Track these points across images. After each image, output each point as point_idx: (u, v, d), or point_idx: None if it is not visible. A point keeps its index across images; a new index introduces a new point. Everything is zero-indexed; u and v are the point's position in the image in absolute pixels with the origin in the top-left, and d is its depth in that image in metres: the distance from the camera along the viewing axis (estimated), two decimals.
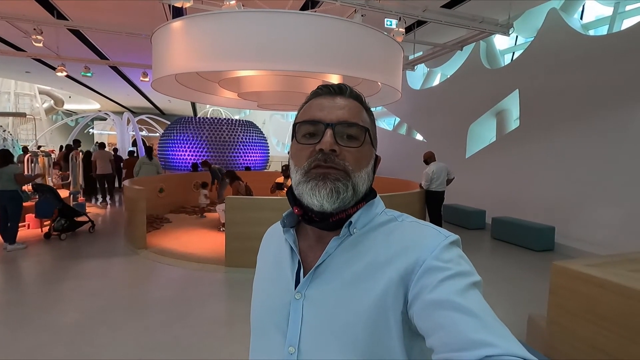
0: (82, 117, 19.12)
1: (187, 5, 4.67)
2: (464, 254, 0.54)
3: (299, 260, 0.61)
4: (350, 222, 0.59)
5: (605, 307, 1.76)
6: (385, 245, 0.57)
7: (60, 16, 7.56)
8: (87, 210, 6.36)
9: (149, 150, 7.64)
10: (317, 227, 0.61)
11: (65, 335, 2.79)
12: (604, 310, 1.77)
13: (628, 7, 6.85)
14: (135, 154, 11.42)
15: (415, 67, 9.28)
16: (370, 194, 0.63)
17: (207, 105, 23.76)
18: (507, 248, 5.71)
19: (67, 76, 14.06)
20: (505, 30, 6.42)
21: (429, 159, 5.85)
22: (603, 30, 7.03)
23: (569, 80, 6.57)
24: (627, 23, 6.72)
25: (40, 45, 6.60)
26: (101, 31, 7.07)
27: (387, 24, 5.89)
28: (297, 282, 0.60)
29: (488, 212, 7.02)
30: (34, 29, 6.42)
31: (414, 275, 0.51)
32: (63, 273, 4.11)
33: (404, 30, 5.71)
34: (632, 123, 5.40)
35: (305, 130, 0.60)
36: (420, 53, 9.22)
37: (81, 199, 7.50)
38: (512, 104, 8.08)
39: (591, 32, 7.20)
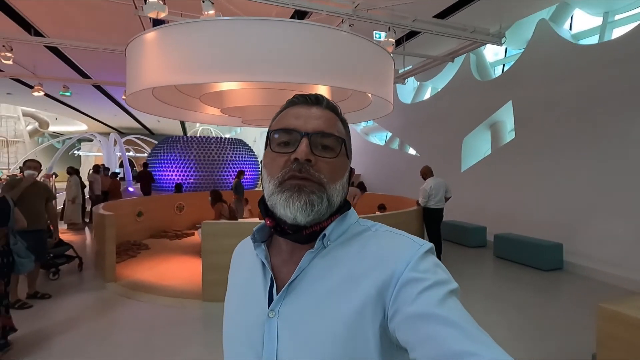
0: (69, 138, 18.62)
1: (162, 15, 4.37)
2: (439, 262, 0.54)
3: (271, 276, 0.59)
4: (324, 234, 0.57)
5: None
6: (360, 257, 0.56)
7: (38, 34, 7.25)
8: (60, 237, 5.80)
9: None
10: (290, 240, 0.59)
11: None
12: None
13: (617, 17, 6.79)
14: (119, 176, 10.93)
15: (406, 80, 9.10)
16: (344, 206, 0.62)
17: (197, 124, 23.45)
18: (512, 268, 5.32)
19: (50, 97, 13.70)
20: (497, 40, 6.26)
21: (425, 174, 5.50)
22: (594, 40, 6.94)
23: (564, 89, 6.39)
24: (617, 32, 6.64)
25: (10, 62, 6.22)
26: (78, 48, 6.75)
27: (375, 37, 5.66)
28: (271, 299, 0.57)
29: (488, 229, 6.66)
30: (3, 46, 6.06)
31: (393, 288, 0.50)
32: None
33: (393, 40, 5.47)
34: (632, 131, 5.16)
35: (280, 139, 0.59)
36: (410, 67, 9.06)
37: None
38: (506, 116, 7.89)
39: (582, 42, 7.11)
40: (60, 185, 10.83)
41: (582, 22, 7.49)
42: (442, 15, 6.60)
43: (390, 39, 5.38)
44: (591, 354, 2.13)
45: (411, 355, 0.46)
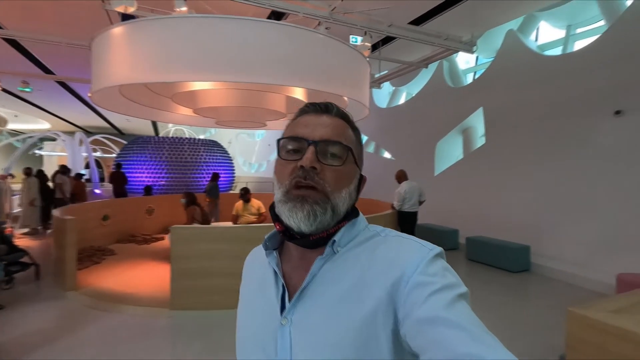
0: (30, 137, 17.49)
1: (131, 10, 4.17)
2: (448, 266, 0.54)
3: (283, 284, 0.59)
4: (334, 240, 0.58)
5: None
6: (370, 262, 0.56)
7: None
8: (15, 242, 5.38)
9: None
10: (299, 244, 0.60)
11: None
12: None
13: (579, 30, 7.18)
14: (83, 177, 10.35)
15: (381, 85, 9.21)
16: (352, 213, 0.62)
17: (170, 125, 22.74)
18: (483, 270, 5.46)
19: (9, 92, 12.82)
20: (469, 48, 6.44)
21: (400, 178, 5.56)
22: (557, 51, 7.31)
23: (531, 97, 6.66)
24: (579, 45, 7.01)
25: None
26: (37, 41, 6.35)
27: (352, 41, 5.67)
28: (283, 306, 0.58)
29: (461, 232, 6.82)
30: None
31: (402, 293, 0.51)
32: None
33: (369, 45, 5.51)
34: (595, 137, 5.44)
35: (289, 147, 0.61)
36: (386, 72, 9.19)
37: (8, 229, 6.48)
38: (477, 122, 8.13)
39: (547, 53, 7.46)
40: (16, 187, 10.14)
41: (547, 34, 7.87)
42: (418, 22, 6.73)
43: (366, 44, 5.42)
44: (559, 354, 2.18)
45: (421, 358, 0.47)
